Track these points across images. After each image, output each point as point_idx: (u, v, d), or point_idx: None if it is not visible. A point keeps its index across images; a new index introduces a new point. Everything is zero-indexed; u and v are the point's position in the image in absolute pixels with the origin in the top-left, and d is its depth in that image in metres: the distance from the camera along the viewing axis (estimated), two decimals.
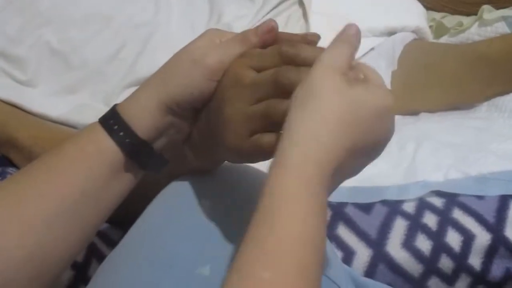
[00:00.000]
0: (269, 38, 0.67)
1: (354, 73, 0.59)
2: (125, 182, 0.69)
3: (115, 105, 0.69)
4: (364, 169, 1.00)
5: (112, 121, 0.67)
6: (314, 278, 0.51)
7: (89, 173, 0.66)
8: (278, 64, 0.63)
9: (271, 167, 0.55)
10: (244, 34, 0.68)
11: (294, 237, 0.52)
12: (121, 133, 0.67)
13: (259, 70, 0.64)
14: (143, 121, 0.67)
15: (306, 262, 0.51)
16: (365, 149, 0.58)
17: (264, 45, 0.67)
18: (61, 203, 0.65)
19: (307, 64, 0.60)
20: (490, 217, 0.92)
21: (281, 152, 0.55)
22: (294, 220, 0.52)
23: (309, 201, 0.53)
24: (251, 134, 0.63)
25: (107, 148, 0.67)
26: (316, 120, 0.55)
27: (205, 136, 0.68)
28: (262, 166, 0.64)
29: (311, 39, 0.66)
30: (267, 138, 0.62)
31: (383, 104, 0.57)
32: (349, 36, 0.61)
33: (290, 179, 0.54)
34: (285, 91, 0.60)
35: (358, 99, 0.56)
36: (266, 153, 0.61)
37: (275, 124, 0.60)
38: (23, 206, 0.64)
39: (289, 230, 0.52)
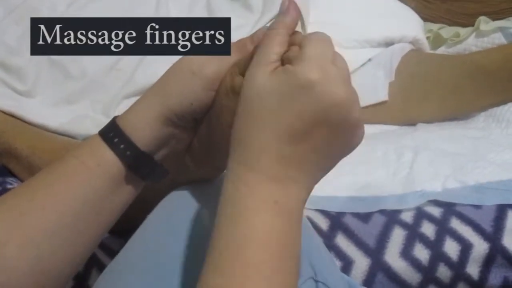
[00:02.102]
0: None
1: (291, 53, 0.58)
2: (126, 193, 0.69)
3: (115, 118, 0.69)
4: (363, 178, 1.02)
5: (112, 133, 0.67)
6: (272, 278, 0.52)
7: (90, 186, 0.66)
8: None
9: (224, 177, 0.57)
10: (240, 42, 0.68)
11: (241, 240, 0.53)
12: (122, 146, 0.67)
13: None
14: (144, 133, 0.67)
15: (257, 263, 0.52)
16: (310, 128, 0.55)
17: None
18: (62, 216, 0.65)
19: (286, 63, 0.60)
20: (488, 226, 0.92)
21: (228, 163, 0.57)
22: (236, 222, 0.54)
23: (252, 201, 0.54)
24: None
25: (108, 161, 0.67)
26: (241, 120, 0.57)
27: (206, 144, 0.69)
28: None
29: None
30: None
31: (304, 78, 0.55)
32: (277, 23, 0.61)
33: (227, 184, 0.56)
34: None
35: (278, 85, 0.56)
36: None
37: None
38: (24, 218, 0.64)
39: (234, 234, 0.53)
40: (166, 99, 0.67)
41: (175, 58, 0.69)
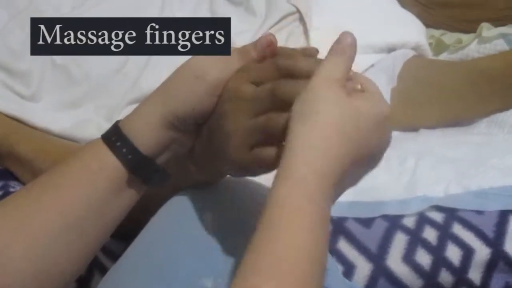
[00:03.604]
0: (268, 52, 0.67)
1: (352, 83, 0.60)
2: (128, 197, 0.69)
3: (117, 122, 0.69)
4: (365, 183, 1.01)
5: (114, 137, 0.67)
6: None
7: (93, 189, 0.67)
8: (275, 77, 0.63)
9: (275, 180, 0.56)
10: (244, 49, 0.68)
11: (293, 248, 0.52)
12: (124, 150, 0.67)
13: (257, 84, 0.65)
14: (146, 137, 0.67)
15: (305, 273, 0.51)
16: (366, 158, 0.59)
17: (263, 59, 0.67)
18: (65, 219, 0.66)
19: (304, 76, 0.61)
20: (490, 232, 0.92)
21: (284, 165, 0.56)
22: (294, 230, 0.53)
23: (311, 212, 0.54)
24: (252, 148, 0.63)
25: (110, 164, 0.67)
26: (317, 133, 0.56)
27: (207, 150, 0.69)
28: (263, 179, 0.65)
29: (309, 53, 0.67)
30: (267, 151, 0.62)
31: (381, 112, 0.59)
32: (345, 47, 0.61)
33: (292, 190, 0.54)
34: (283, 104, 0.60)
35: (357, 110, 0.57)
36: (267, 166, 0.62)
37: (275, 137, 0.61)
38: (27, 220, 0.64)
39: (288, 241, 0.52)
40: (168, 103, 0.67)
41: (180, 62, 0.69)
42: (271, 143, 0.62)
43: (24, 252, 0.64)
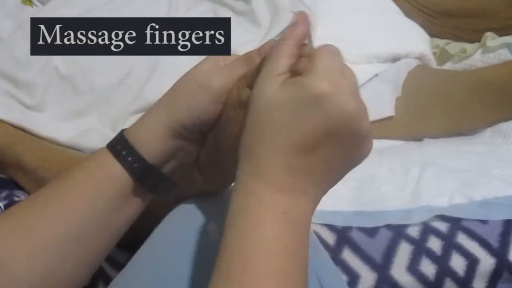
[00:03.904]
0: None
1: (300, 65, 0.58)
2: (133, 206, 0.69)
3: (123, 130, 0.69)
4: (369, 192, 1.02)
5: (120, 146, 0.68)
6: None
7: (98, 199, 0.67)
8: None
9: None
10: (248, 55, 0.68)
11: (249, 250, 0.53)
12: (130, 158, 0.67)
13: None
14: (151, 145, 0.68)
15: (265, 274, 0.52)
16: (319, 140, 0.55)
17: None
18: (70, 228, 0.66)
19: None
20: (494, 241, 0.92)
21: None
22: (245, 233, 0.54)
23: (261, 211, 0.54)
24: None
25: (116, 173, 0.67)
26: (250, 132, 0.57)
27: (213, 157, 0.69)
28: None
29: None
30: None
31: (314, 90, 0.55)
32: (287, 34, 0.61)
33: (236, 195, 0.56)
34: None
35: (287, 97, 0.55)
36: None
37: None
38: (32, 230, 0.65)
39: (243, 244, 0.54)
40: (174, 112, 0.67)
41: (184, 73, 0.69)
42: None
43: (28, 262, 0.64)
